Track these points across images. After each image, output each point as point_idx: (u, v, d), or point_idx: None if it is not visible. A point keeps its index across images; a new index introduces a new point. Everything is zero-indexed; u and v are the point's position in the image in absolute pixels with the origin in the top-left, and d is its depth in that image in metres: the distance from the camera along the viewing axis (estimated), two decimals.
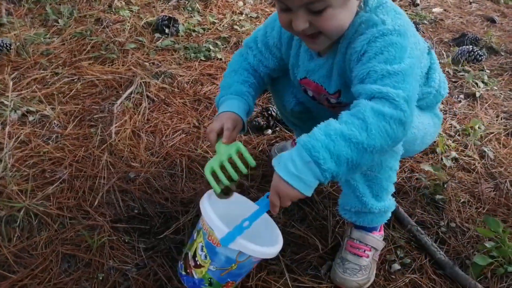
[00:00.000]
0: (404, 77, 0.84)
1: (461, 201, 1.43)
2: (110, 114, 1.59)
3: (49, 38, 2.07)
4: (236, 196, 1.03)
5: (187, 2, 2.58)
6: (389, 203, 1.09)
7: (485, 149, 1.70)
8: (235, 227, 0.86)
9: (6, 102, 1.57)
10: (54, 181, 1.29)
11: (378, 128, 0.81)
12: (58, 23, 2.18)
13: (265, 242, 0.93)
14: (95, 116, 1.59)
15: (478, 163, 1.63)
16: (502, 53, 2.78)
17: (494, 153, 1.70)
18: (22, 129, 1.48)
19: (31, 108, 1.58)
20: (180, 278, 0.95)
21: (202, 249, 0.89)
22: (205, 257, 0.89)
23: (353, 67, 0.91)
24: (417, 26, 2.84)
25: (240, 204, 1.03)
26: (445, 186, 1.44)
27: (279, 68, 1.15)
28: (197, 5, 2.57)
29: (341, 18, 0.88)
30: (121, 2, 2.41)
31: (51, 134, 1.48)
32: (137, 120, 1.60)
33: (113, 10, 2.37)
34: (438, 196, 1.41)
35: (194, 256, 0.91)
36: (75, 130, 1.52)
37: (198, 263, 0.90)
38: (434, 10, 3.46)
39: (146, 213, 1.23)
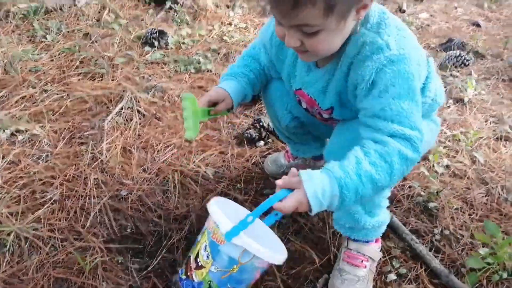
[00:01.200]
0: (417, 112, 0.90)
1: (454, 207, 1.43)
2: (100, 131, 1.58)
3: (37, 54, 2.06)
4: (239, 208, 1.02)
5: (175, 14, 2.59)
6: (383, 217, 1.09)
7: (476, 155, 1.71)
8: (239, 222, 0.85)
9: None
10: (44, 202, 1.27)
11: (400, 172, 0.87)
12: (46, 39, 2.17)
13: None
14: (85, 133, 1.58)
15: (469, 168, 1.64)
16: (489, 57, 2.82)
17: (484, 158, 1.72)
18: (12, 149, 1.46)
19: (20, 127, 1.56)
20: (180, 284, 0.93)
21: (205, 248, 0.88)
22: (207, 257, 0.88)
23: (362, 97, 0.92)
24: None
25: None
26: (439, 194, 1.45)
27: (271, 66, 1.17)
28: (186, 16, 2.57)
29: (332, 42, 0.88)
30: (110, 16, 2.40)
31: (41, 154, 1.46)
32: (128, 136, 1.59)
33: (102, 24, 2.36)
34: (431, 204, 1.41)
35: (196, 257, 0.90)
36: (65, 149, 1.50)
37: (200, 264, 0.88)
38: (420, 15, 3.50)
39: (139, 232, 1.22)
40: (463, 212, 1.42)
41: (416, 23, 3.23)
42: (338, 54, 0.93)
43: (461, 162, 1.67)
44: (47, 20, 2.34)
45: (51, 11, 2.38)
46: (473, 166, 1.66)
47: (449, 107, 2.10)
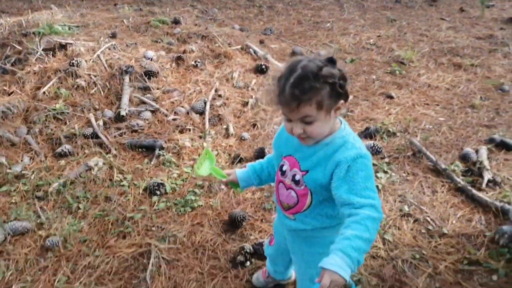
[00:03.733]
0: (374, 187, 1.42)
1: (373, 283, 2.33)
2: (145, 283, 2.42)
3: (78, 223, 2.89)
4: None
5: (164, 157, 3.47)
6: None
7: (386, 237, 2.63)
8: None
9: None
10: None
11: (373, 228, 1.33)
12: (80, 208, 3.01)
13: None
14: (136, 287, 2.41)
15: (381, 250, 2.55)
16: (398, 134, 3.80)
17: (392, 237, 2.64)
18: None
19: None
20: None
21: None
22: None
23: (341, 177, 1.39)
24: None
25: None
26: (360, 280, 2.34)
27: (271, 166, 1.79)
28: (172, 159, 3.46)
29: (323, 128, 1.43)
30: (118, 176, 3.27)
31: None
32: (162, 280, 2.43)
33: (114, 183, 3.22)
34: (357, 287, 2.30)
35: None
36: None
37: None
38: None
39: None
40: (378, 286, 2.32)
41: (343, 112, 4.21)
42: (323, 142, 1.47)
43: (376, 247, 2.58)
44: (74, 188, 3.18)
45: (74, 181, 3.23)
46: (384, 247, 2.57)
47: None
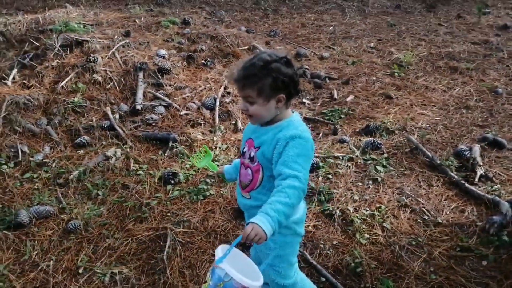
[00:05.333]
0: (306, 165, 1.63)
1: (372, 266, 2.55)
2: (163, 262, 2.63)
3: (97, 209, 3.09)
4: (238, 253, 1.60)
5: (177, 149, 3.68)
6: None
7: (385, 225, 2.85)
8: (223, 254, 1.47)
9: (98, 270, 2.58)
10: None
11: (293, 195, 1.54)
12: (99, 194, 3.21)
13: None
14: (154, 266, 2.62)
15: (381, 237, 2.77)
16: (396, 132, 4.02)
17: (390, 225, 2.85)
18: None
19: (113, 271, 2.58)
20: None
21: (210, 271, 1.53)
22: (209, 276, 1.52)
23: (279, 152, 1.63)
24: (335, 126, 4.06)
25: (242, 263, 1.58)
26: (361, 262, 2.56)
27: None
28: (185, 151, 3.67)
29: (261, 112, 1.68)
30: (134, 166, 3.48)
31: None
32: (178, 261, 2.64)
33: (131, 172, 3.43)
34: (358, 268, 2.52)
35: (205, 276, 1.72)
36: (147, 279, 2.54)
37: (205, 281, 1.56)
38: (348, 99, 4.71)
39: None
40: (377, 268, 2.53)
41: (344, 110, 4.43)
42: (273, 125, 1.73)
43: (375, 233, 2.80)
44: (93, 176, 3.39)
45: (94, 170, 3.44)
46: (383, 234, 2.79)
47: (369, 187, 3.25)
